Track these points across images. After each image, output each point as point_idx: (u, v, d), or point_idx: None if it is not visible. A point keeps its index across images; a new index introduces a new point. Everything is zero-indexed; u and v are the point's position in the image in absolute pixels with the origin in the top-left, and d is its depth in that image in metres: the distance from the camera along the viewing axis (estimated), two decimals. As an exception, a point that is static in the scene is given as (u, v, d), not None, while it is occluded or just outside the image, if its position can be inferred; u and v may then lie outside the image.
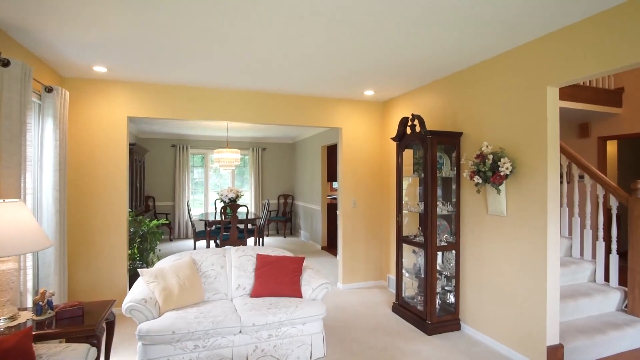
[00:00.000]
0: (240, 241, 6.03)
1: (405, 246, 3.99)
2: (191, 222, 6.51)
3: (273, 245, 7.80)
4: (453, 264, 3.70)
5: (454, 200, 3.67)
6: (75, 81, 3.83)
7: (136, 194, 6.29)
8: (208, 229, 6.15)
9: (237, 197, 6.77)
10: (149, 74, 3.74)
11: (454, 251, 3.65)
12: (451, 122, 3.73)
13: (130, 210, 4.54)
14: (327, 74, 3.76)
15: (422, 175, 3.67)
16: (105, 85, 3.93)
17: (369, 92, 4.49)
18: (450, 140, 3.59)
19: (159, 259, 4.60)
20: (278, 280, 3.29)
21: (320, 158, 7.57)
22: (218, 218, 6.36)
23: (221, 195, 6.73)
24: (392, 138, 4.04)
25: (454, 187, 3.68)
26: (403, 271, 4.01)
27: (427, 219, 3.52)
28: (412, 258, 4.06)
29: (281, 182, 9.66)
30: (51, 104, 3.19)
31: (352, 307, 4.20)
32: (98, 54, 3.18)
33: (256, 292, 3.25)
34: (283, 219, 8.99)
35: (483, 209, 3.30)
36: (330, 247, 7.48)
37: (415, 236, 3.93)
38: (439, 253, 3.76)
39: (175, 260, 3.31)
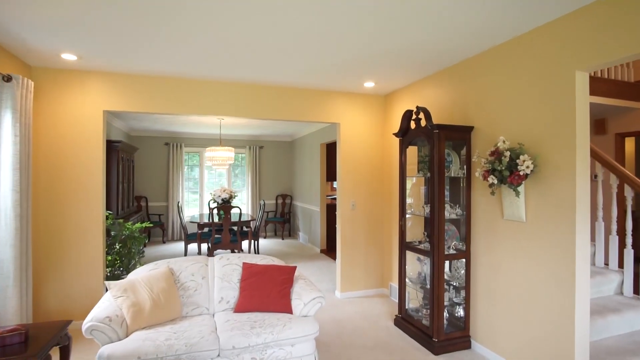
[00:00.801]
0: (233, 245, 5.67)
1: (409, 253, 3.61)
2: (182, 224, 6.16)
3: (269, 248, 7.44)
4: (462, 273, 3.32)
5: (463, 202, 3.29)
6: (44, 71, 3.48)
7: (124, 195, 5.95)
8: (199, 231, 5.80)
9: (231, 197, 6.40)
10: (126, 63, 3.38)
11: (463, 260, 3.26)
12: (460, 116, 3.34)
13: (109, 212, 4.19)
14: (322, 60, 3.38)
15: (428, 174, 3.29)
16: (78, 75, 3.57)
17: (369, 84, 4.11)
18: (459, 136, 3.20)
19: (142, 265, 4.25)
20: (265, 293, 2.92)
21: (319, 156, 7.19)
22: (207, 220, 5.99)
23: (214, 195, 6.37)
24: (394, 134, 3.66)
25: (463, 188, 3.30)
26: (407, 280, 3.63)
27: (433, 224, 3.14)
28: (417, 266, 3.68)
29: (279, 182, 9.30)
30: (9, 95, 2.83)
31: (351, 320, 3.83)
32: (62, 39, 2.81)
33: (240, 307, 2.88)
34: (281, 220, 8.62)
35: (498, 213, 2.91)
36: (330, 250, 7.10)
37: (420, 242, 3.55)
38: (447, 262, 3.37)
39: (150, 270, 2.95)
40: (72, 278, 3.55)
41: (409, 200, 3.69)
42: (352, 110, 4.52)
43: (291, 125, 7.34)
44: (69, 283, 3.54)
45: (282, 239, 8.60)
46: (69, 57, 3.19)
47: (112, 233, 4.10)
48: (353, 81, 4.00)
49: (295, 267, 3.15)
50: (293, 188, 9.23)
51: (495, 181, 2.65)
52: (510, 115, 2.80)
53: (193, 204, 8.76)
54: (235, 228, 6.70)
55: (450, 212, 3.27)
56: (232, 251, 5.72)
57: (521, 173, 2.50)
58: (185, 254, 6.11)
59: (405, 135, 3.55)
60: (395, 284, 4.39)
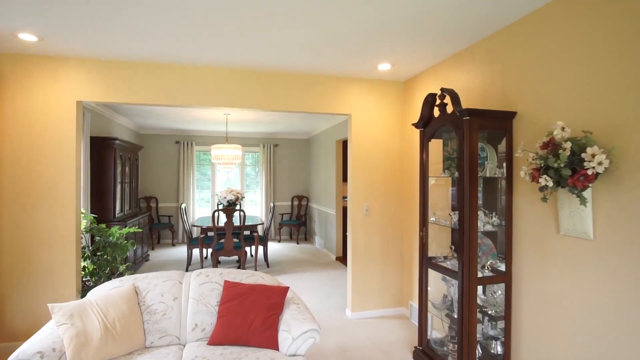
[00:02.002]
0: (237, 251, 5.16)
1: (432, 272, 2.92)
2: (185, 227, 5.73)
3: (281, 253, 6.89)
4: (501, 298, 2.61)
5: (502, 210, 2.58)
6: (3, 57, 3.07)
7: (125, 195, 5.58)
8: (202, 236, 5.34)
9: (238, 199, 5.91)
10: (97, 45, 2.92)
11: (503, 284, 2.55)
12: (497, 101, 2.63)
13: (93, 216, 3.76)
14: (325, 29, 2.76)
15: (456, 174, 2.61)
16: (46, 62, 3.15)
17: (384, 66, 3.45)
18: (497, 124, 2.50)
19: (128, 274, 3.80)
20: (247, 321, 2.34)
21: (334, 155, 6.57)
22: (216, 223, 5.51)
23: (219, 197, 5.90)
24: (414, 124, 2.99)
25: (501, 191, 2.59)
26: (429, 304, 2.95)
27: (462, 236, 2.45)
28: (442, 287, 2.99)
29: (295, 182, 8.75)
30: (-49, 80, 2.41)
31: (360, 348, 3.19)
32: (14, 15, 2.36)
33: (215, 338, 2.32)
34: (296, 223, 8.07)
35: (551, 226, 2.19)
36: (346, 257, 6.45)
37: (445, 258, 2.86)
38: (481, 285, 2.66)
39: (112, 288, 2.45)
40: (40, 294, 3.13)
41: (431, 206, 3.00)
42: (365, 100, 3.87)
43: (306, 122, 6.77)
44: (36, 300, 3.12)
45: (297, 243, 8.04)
46: (28, 37, 2.75)
47: (96, 239, 3.67)
48: (365, 63, 3.36)
49: (287, 288, 2.56)
50: (309, 189, 8.65)
51: (550, 183, 1.94)
52: (570, 93, 2.07)
53: (205, 205, 8.37)
54: (245, 232, 6.19)
55: (485, 222, 2.57)
56: (237, 261, 5.21)
57: (589, 172, 1.78)
58: (189, 261, 5.68)
59: (427, 125, 2.87)
60: (416, 304, 3.70)
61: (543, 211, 2.23)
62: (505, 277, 2.50)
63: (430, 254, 2.93)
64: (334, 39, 2.80)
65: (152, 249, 7.21)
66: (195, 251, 6.75)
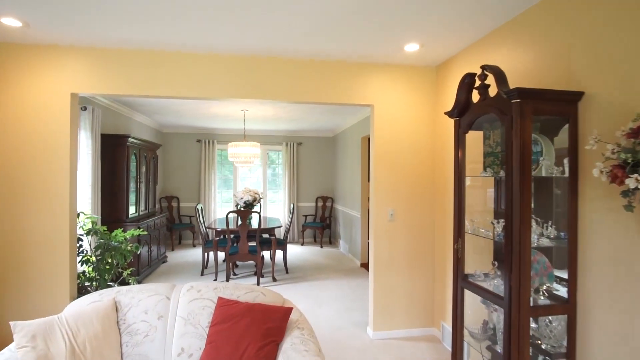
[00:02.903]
0: (252, 256, 4.82)
1: (469, 293, 2.39)
2: (201, 230, 5.46)
3: (303, 258, 6.49)
4: (559, 330, 2.05)
5: (562, 219, 2.02)
6: (-2, 46, 2.87)
7: (142, 196, 5.41)
8: (216, 238, 5.04)
9: (256, 200, 5.57)
10: (90, 32, 2.65)
11: (565, 315, 1.98)
12: (555, 80, 2.07)
13: (93, 216, 3.53)
14: (341, 3, 2.32)
15: (502, 173, 2.08)
16: (35, 51, 2.92)
17: (412, 47, 2.95)
18: (557, 108, 1.94)
19: (130, 283, 3.54)
20: (240, 348, 1.95)
21: (359, 152, 6.09)
22: (231, 225, 5.21)
23: (236, 197, 5.59)
24: (447, 113, 2.47)
25: (562, 196, 2.03)
26: (465, 332, 2.42)
27: (510, 252, 1.92)
28: (481, 311, 2.45)
29: (320, 182, 8.33)
30: None
31: (382, 379, 2.71)
32: (-18, -10, 2.12)
33: (201, 369, 1.94)
34: (320, 225, 7.65)
35: (638, 243, 1.62)
36: (372, 264, 5.95)
37: (486, 275, 2.33)
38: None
39: (90, 303, 2.14)
40: (29, 302, 2.90)
41: (469, 213, 2.47)
42: (390, 88, 3.38)
43: (330, 117, 6.33)
44: (25, 309, 2.90)
45: (321, 246, 7.62)
46: (11, 22, 2.51)
47: (100, 241, 3.44)
48: (389, 43, 2.87)
49: (290, 310, 2.14)
50: (334, 189, 8.21)
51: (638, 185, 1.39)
52: (668, 61, 1.50)
53: (226, 206, 8.14)
54: (264, 235, 5.85)
55: (539, 234, 2.02)
56: (256, 271, 4.86)
57: None
58: (204, 264, 5.41)
59: (464, 113, 2.35)
60: (449, 326, 3.16)
61: (624, 222, 1.66)
62: (568, 307, 1.94)
63: (467, 271, 2.40)
64: (350, 15, 2.35)
65: (172, 250, 7.06)
66: (213, 254, 6.46)
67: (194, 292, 2.24)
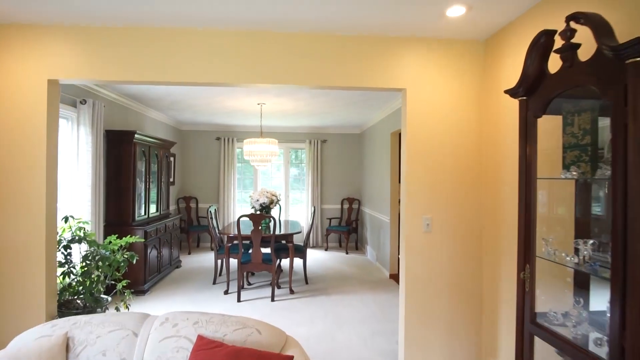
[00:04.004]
0: (267, 265, 4.30)
1: (539, 341, 1.72)
2: (211, 235, 5.02)
3: (325, 265, 5.91)
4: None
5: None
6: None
7: (152, 197, 5.06)
8: (228, 244, 4.57)
9: (272, 202, 5.06)
10: (70, 6, 2.21)
11: None
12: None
13: (84, 221, 3.12)
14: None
15: (604, 172, 1.42)
16: (8, 31, 2.52)
17: (456, 11, 2.29)
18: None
19: (126, 295, 3.11)
20: (217, 417, 1.40)
21: (388, 150, 5.43)
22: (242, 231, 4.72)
23: (252, 199, 5.11)
24: (508, 91, 1.81)
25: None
26: (533, 392, 1.75)
27: (617, 290, 1.25)
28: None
29: (345, 183, 7.72)
30: None
31: None
32: None
33: None
34: (346, 229, 7.05)
35: None
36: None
37: (565, 317, 1.65)
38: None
39: (38, 337, 1.67)
40: (5, 323, 2.51)
41: (541, 229, 1.78)
42: (426, 67, 2.73)
43: (356, 110, 5.72)
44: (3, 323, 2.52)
45: (347, 252, 7.01)
46: (-34, -9, 2.11)
47: (91, 249, 3.03)
48: (427, 7, 2.24)
49: (291, 358, 1.57)
50: (361, 191, 7.57)
51: None
52: None
53: (246, 207, 7.70)
54: (281, 242, 5.32)
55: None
56: (274, 284, 4.34)
57: None
58: (218, 272, 4.96)
59: (534, 91, 1.68)
60: (503, 368, 2.48)
61: None
62: None
63: (538, 309, 1.73)
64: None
65: (189, 253, 6.71)
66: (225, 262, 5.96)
67: (168, 326, 1.72)
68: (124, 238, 3.16)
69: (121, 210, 4.44)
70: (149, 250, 4.56)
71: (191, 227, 6.95)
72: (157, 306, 4.07)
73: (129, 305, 3.14)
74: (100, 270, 2.85)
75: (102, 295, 3.22)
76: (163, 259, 5.06)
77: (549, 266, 1.72)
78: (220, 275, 5.04)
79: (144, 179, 4.79)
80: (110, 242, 3.13)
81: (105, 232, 4.37)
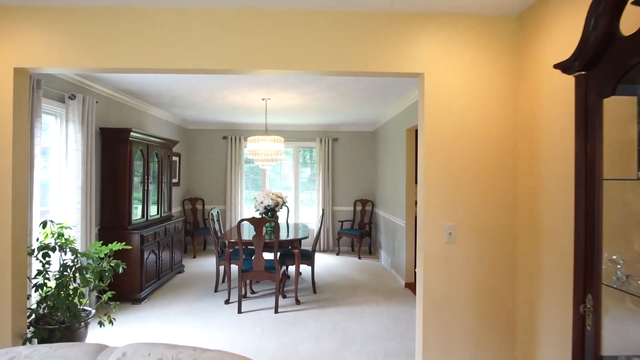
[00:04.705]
0: (269, 274, 3.95)
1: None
2: (213, 239, 4.70)
3: (335, 272, 5.52)
4: None
5: None
6: None
7: (151, 198, 4.79)
8: (229, 250, 4.24)
9: (278, 205, 4.71)
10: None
11: None
12: None
13: (64, 227, 2.82)
14: None
15: None
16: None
17: (487, -25, 1.88)
18: None
19: (111, 307, 2.80)
20: None
21: (404, 147, 5.00)
22: (245, 236, 4.38)
23: (256, 202, 4.77)
24: (558, 65, 1.40)
25: None
26: None
27: None
28: None
29: (358, 184, 7.32)
30: None
31: None
32: None
33: None
34: (358, 233, 6.64)
35: None
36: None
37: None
38: None
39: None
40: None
41: (609, 248, 1.35)
42: (448, 48, 2.32)
43: (369, 105, 5.32)
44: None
45: (359, 257, 6.60)
46: None
47: (73, 257, 2.74)
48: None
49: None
50: (375, 192, 7.15)
51: None
52: None
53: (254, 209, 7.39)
54: (287, 247, 4.96)
55: None
56: (280, 292, 3.97)
57: None
58: (220, 279, 4.64)
59: (597, 62, 1.26)
60: (543, 410, 2.04)
61: None
62: None
63: (605, 352, 1.30)
64: None
65: (194, 257, 6.43)
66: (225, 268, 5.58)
67: (124, 365, 1.38)
68: (109, 245, 2.85)
69: (117, 213, 4.17)
70: (146, 256, 4.28)
71: (197, 230, 6.68)
72: (150, 317, 3.77)
73: (114, 319, 2.83)
74: (78, 281, 2.55)
75: (86, 307, 2.93)
76: (163, 264, 4.77)
77: (620, 296, 1.29)
78: (222, 282, 4.72)
79: (142, 180, 4.52)
80: (94, 248, 2.84)
81: (100, 236, 4.11)
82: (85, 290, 2.86)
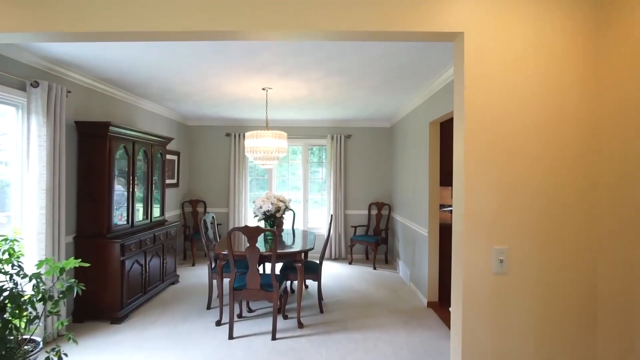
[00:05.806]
0: (266, 293, 3.33)
1: None
2: (205, 248, 4.12)
3: (346, 285, 4.86)
4: None
5: None
6: None
7: (137, 201, 4.27)
8: (222, 263, 3.65)
9: (280, 210, 4.10)
10: None
11: None
12: None
13: (17, 239, 2.27)
14: None
15: None
16: None
17: None
18: None
19: (59, 353, 2.24)
20: None
21: (426, 143, 4.30)
22: (239, 246, 3.78)
23: (254, 206, 4.17)
24: None
25: None
26: None
27: None
28: None
29: (373, 185, 6.64)
30: None
31: None
32: None
33: None
34: (373, 240, 5.96)
35: None
36: (444, 304, 4.14)
37: None
38: None
39: None
40: None
41: None
42: (496, 1, 1.65)
43: (384, 94, 4.65)
44: None
45: (374, 267, 5.92)
46: None
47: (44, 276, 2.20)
48: None
49: None
50: (392, 194, 6.46)
51: None
52: None
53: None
54: (291, 262, 4.33)
55: None
56: (281, 312, 3.36)
57: None
58: (212, 294, 4.06)
59: None
60: None
61: None
62: None
63: None
64: None
65: (193, 265, 5.90)
66: (225, 281, 4.95)
67: None
68: (56, 263, 2.29)
69: (94, 219, 3.65)
70: (128, 267, 3.74)
71: (197, 235, 6.13)
72: (126, 342, 3.22)
73: (64, 355, 2.27)
74: (8, 312, 2.00)
75: (34, 337, 2.39)
76: (151, 277, 4.23)
77: None
78: (217, 297, 4.14)
79: (127, 181, 3.98)
80: (44, 265, 2.28)
81: (76, 246, 3.61)
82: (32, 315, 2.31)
